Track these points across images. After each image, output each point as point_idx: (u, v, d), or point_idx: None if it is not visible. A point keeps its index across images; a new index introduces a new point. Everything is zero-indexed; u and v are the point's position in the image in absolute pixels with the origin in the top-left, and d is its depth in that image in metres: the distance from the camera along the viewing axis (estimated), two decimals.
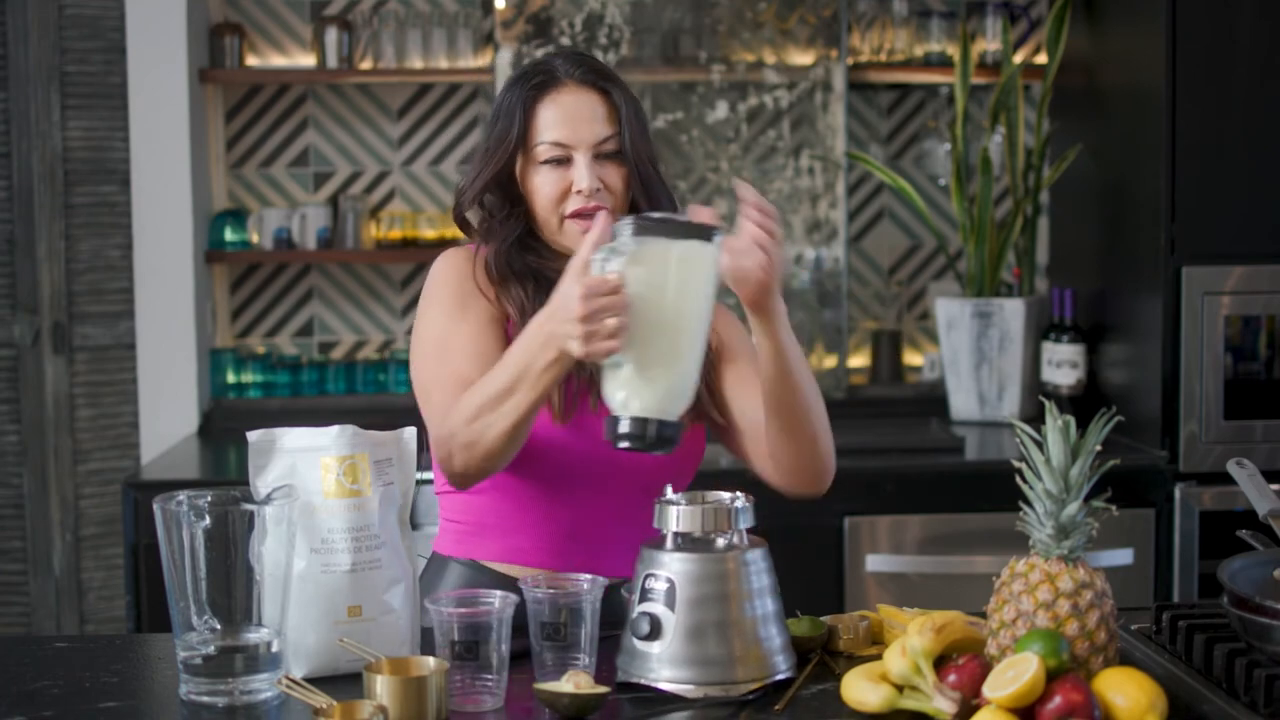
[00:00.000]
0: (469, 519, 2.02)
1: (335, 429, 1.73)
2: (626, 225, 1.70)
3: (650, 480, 1.90)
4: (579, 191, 1.96)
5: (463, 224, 2.07)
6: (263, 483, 1.72)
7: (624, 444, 1.70)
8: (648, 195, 2.00)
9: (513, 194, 2.02)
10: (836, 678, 1.68)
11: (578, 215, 1.97)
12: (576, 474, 1.96)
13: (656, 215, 1.77)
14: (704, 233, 1.71)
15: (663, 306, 1.69)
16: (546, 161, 1.98)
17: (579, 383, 1.94)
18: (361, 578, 1.71)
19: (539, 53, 3.88)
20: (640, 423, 1.69)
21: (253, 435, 1.73)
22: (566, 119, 1.98)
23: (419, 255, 3.92)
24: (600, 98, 2.00)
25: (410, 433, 1.80)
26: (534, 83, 1.99)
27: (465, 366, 1.91)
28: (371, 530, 1.72)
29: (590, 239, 1.72)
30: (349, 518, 1.71)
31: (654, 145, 2.05)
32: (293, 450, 1.73)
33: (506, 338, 1.96)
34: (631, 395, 1.70)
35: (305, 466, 1.72)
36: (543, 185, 1.98)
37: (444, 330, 1.97)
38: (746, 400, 2.00)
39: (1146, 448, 3.45)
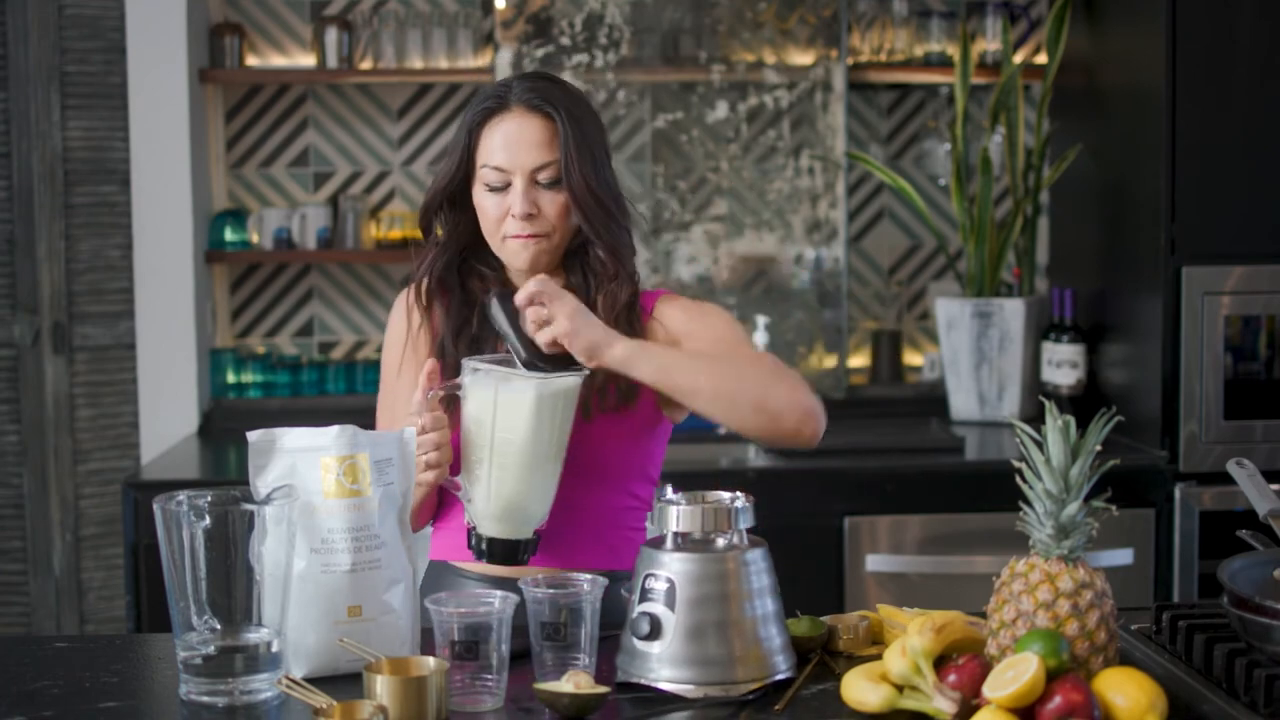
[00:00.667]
0: (449, 521, 2.09)
1: (335, 429, 1.73)
2: (467, 364, 1.88)
3: (607, 468, 2.02)
4: (514, 216, 2.00)
5: (426, 232, 2.13)
6: (263, 483, 1.71)
7: (474, 554, 1.90)
8: (590, 224, 2.01)
9: (466, 209, 2.07)
10: (836, 678, 1.68)
11: (517, 238, 2.02)
12: None
13: (489, 357, 1.91)
14: (533, 373, 1.84)
15: (490, 443, 1.85)
16: (489, 185, 2.01)
17: None
18: (361, 578, 1.72)
19: (539, 53, 3.88)
20: (483, 539, 1.89)
21: (253, 435, 1.74)
22: (507, 144, 2.00)
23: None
24: (545, 122, 2.00)
25: (410, 433, 1.80)
26: (484, 106, 2.03)
27: (399, 422, 2.01)
28: (371, 530, 1.72)
29: (420, 382, 1.89)
30: (349, 518, 1.72)
31: (607, 171, 2.04)
32: (293, 450, 1.73)
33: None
34: (474, 516, 1.89)
35: (305, 466, 1.72)
36: (486, 209, 2.03)
37: (387, 381, 2.13)
38: None
39: (1146, 448, 3.44)
